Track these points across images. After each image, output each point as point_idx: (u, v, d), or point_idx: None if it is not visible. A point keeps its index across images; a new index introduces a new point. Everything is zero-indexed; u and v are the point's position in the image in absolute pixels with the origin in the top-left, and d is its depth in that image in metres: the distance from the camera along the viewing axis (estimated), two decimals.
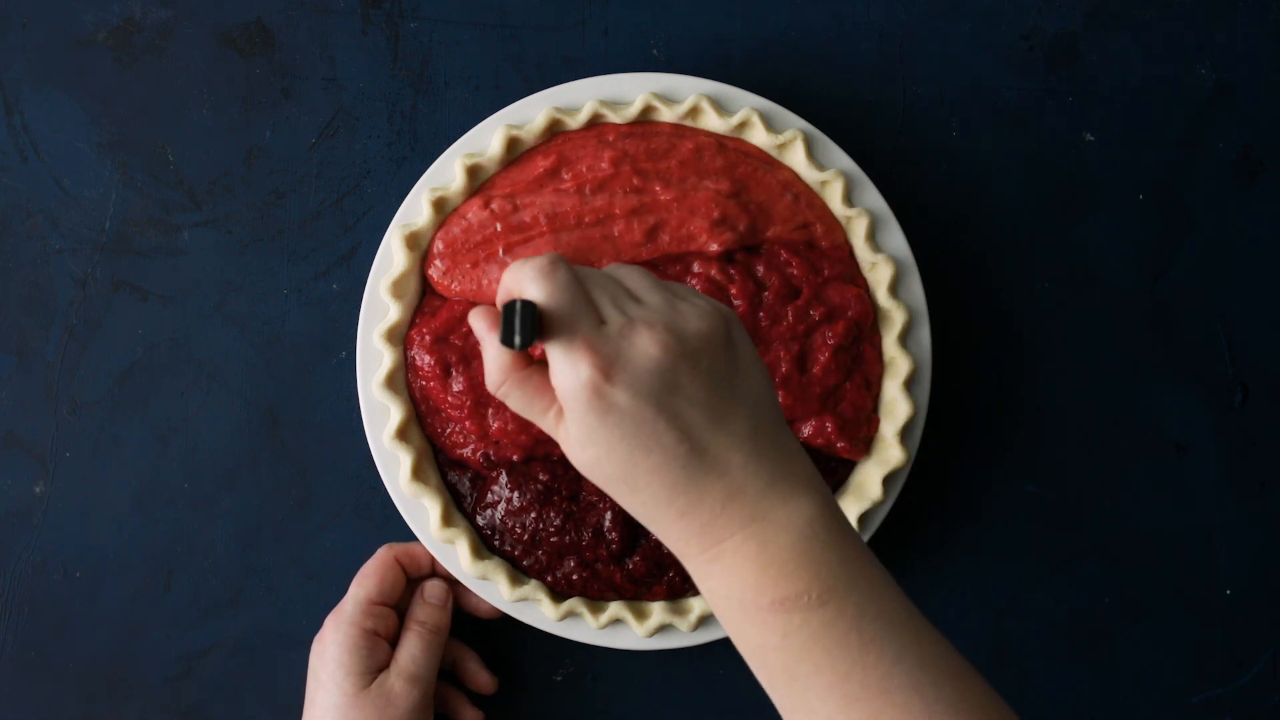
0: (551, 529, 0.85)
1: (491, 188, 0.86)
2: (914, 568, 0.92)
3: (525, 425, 0.85)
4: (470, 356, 0.85)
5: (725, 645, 0.89)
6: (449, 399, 0.85)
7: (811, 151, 0.87)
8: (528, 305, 0.59)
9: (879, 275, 0.87)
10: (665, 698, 0.91)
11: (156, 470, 0.90)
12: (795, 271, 0.86)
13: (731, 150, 0.86)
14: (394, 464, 0.86)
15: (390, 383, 0.85)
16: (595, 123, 0.87)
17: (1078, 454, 0.93)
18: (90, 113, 0.90)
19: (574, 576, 0.86)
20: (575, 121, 0.86)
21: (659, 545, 0.86)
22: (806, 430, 0.86)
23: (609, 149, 0.86)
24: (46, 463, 0.90)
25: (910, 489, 0.90)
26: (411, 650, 0.84)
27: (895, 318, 0.87)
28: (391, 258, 0.86)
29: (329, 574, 0.90)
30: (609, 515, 0.85)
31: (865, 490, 0.87)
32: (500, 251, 0.86)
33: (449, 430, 0.86)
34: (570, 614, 0.86)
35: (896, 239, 0.88)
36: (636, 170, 0.85)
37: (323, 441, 0.90)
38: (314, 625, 0.88)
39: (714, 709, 0.91)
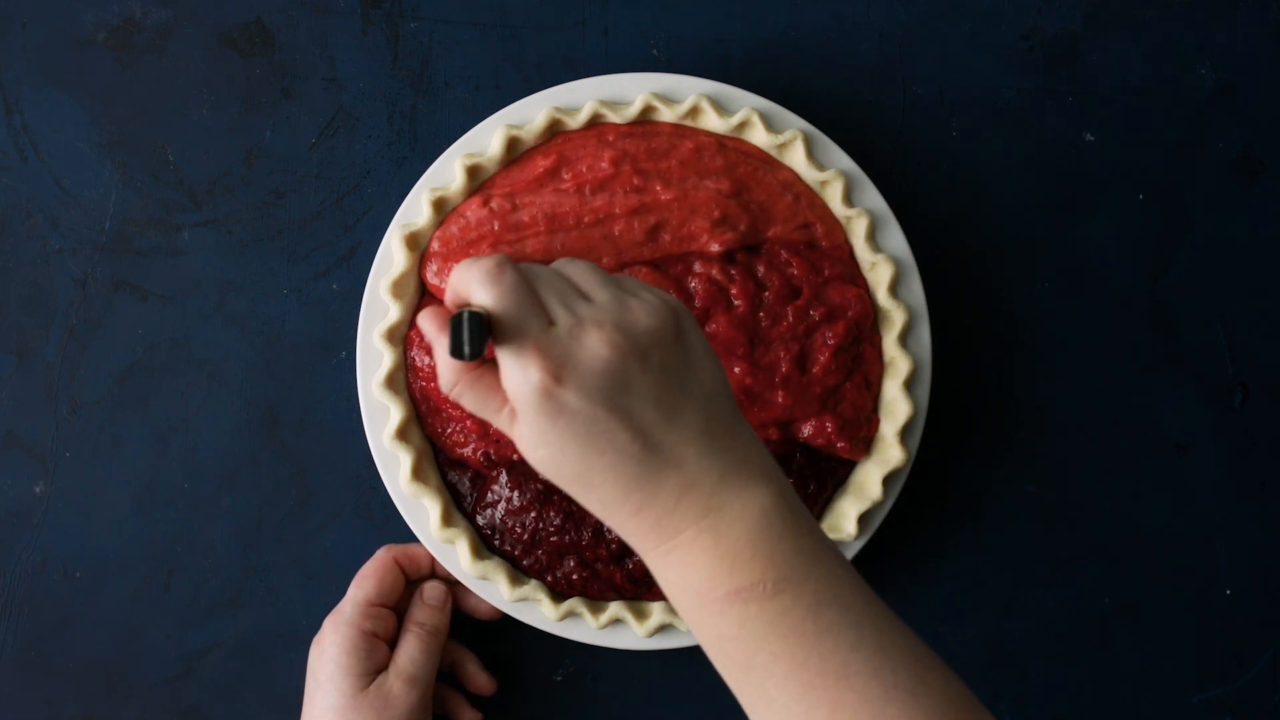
0: (551, 529, 0.85)
1: (491, 187, 0.86)
2: (914, 568, 0.92)
3: None
4: None
5: None
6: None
7: (811, 151, 0.87)
8: (475, 316, 0.59)
9: (879, 275, 0.87)
10: (665, 698, 0.91)
11: (156, 470, 0.90)
12: (795, 271, 0.86)
13: (732, 150, 0.86)
14: (394, 464, 0.86)
15: (390, 383, 0.85)
16: (595, 123, 0.87)
17: (1078, 454, 0.93)
18: (90, 113, 0.90)
19: (574, 576, 0.86)
20: (575, 121, 0.86)
21: None
22: (807, 430, 0.86)
23: (609, 149, 0.86)
24: (46, 463, 0.90)
25: (910, 489, 0.90)
26: (410, 652, 0.84)
27: (895, 318, 0.87)
28: (391, 258, 0.86)
29: (329, 574, 0.90)
30: None
31: (865, 490, 0.87)
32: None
33: (449, 430, 0.86)
34: (570, 614, 0.86)
35: (896, 239, 0.88)
36: (637, 170, 0.85)
37: (323, 441, 0.91)
38: (314, 625, 0.88)
39: (714, 709, 0.91)
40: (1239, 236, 0.93)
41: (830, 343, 0.85)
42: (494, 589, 0.86)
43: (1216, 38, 0.93)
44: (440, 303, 0.86)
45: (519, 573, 0.86)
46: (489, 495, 0.86)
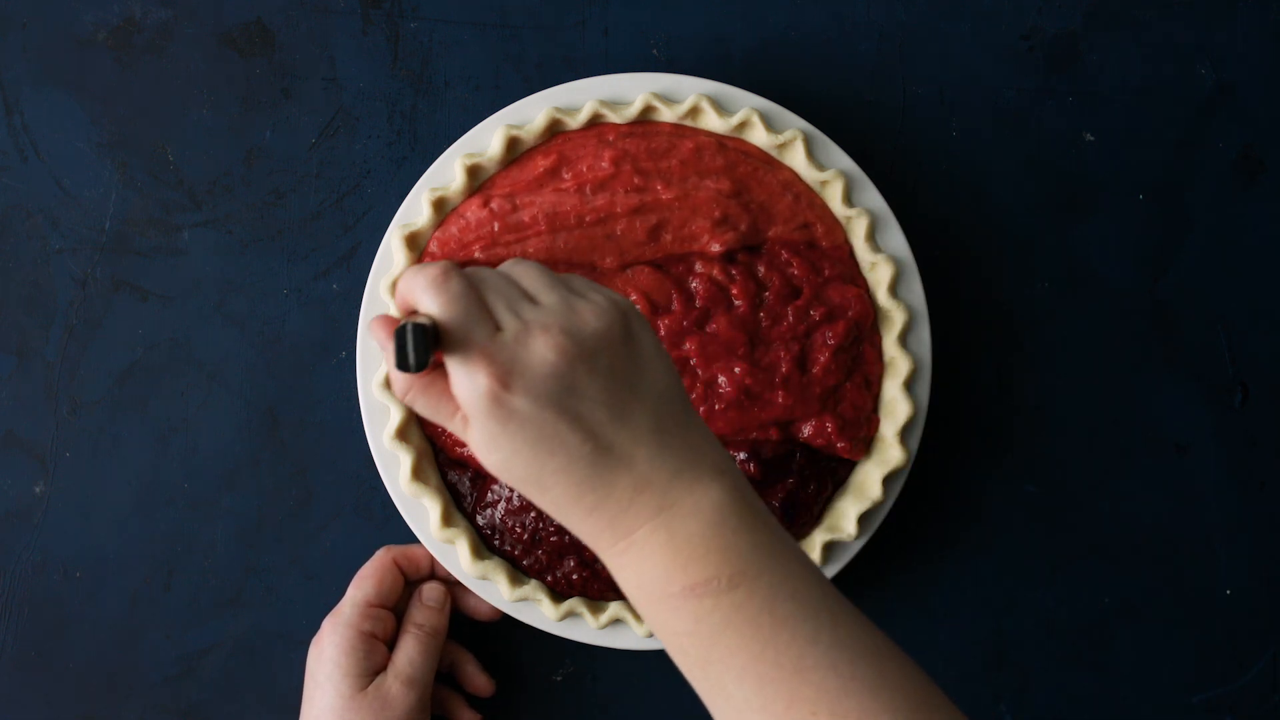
0: (551, 528, 0.85)
1: (491, 187, 0.86)
2: (914, 568, 0.92)
3: None
4: None
5: None
6: None
7: (811, 151, 0.87)
8: (418, 327, 0.60)
9: (879, 275, 0.87)
10: (665, 698, 0.91)
11: (156, 470, 0.90)
12: (796, 271, 0.86)
13: (732, 150, 0.86)
14: (394, 464, 0.86)
15: (390, 383, 0.85)
16: (595, 123, 0.87)
17: (1078, 454, 0.93)
18: (90, 113, 0.90)
19: (574, 576, 0.86)
20: (575, 121, 0.86)
21: None
22: (807, 430, 0.86)
23: (609, 149, 0.86)
24: (46, 463, 0.90)
25: (910, 489, 0.90)
26: (409, 653, 0.84)
27: (895, 318, 0.87)
28: (391, 258, 0.86)
29: (329, 574, 0.90)
30: None
31: (865, 490, 0.87)
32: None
33: (449, 429, 0.86)
34: (570, 614, 0.86)
35: (896, 239, 0.88)
36: (637, 169, 0.85)
37: (323, 441, 0.91)
38: (314, 625, 0.88)
39: None
40: (1239, 236, 0.93)
41: (830, 343, 0.85)
42: (494, 589, 0.86)
43: (1216, 38, 0.93)
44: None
45: (519, 573, 0.86)
46: (489, 495, 0.86)
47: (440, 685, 0.89)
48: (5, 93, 0.90)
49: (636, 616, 0.86)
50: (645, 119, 0.87)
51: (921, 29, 0.92)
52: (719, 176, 0.86)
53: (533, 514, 0.85)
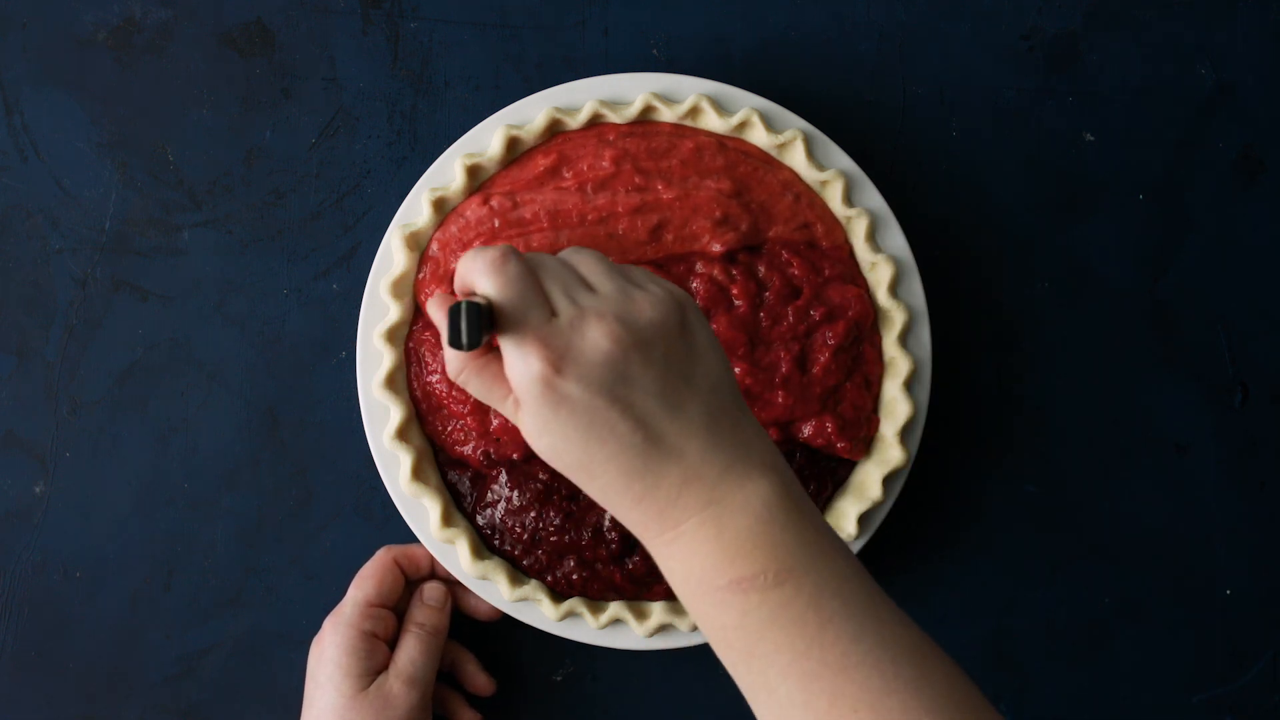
0: (551, 528, 0.85)
1: (491, 187, 0.86)
2: (914, 568, 0.92)
3: None
4: None
5: None
6: (452, 393, 0.85)
7: (811, 151, 0.87)
8: (474, 306, 0.60)
9: (879, 275, 0.87)
10: (665, 698, 0.91)
11: (156, 470, 0.90)
12: (796, 271, 0.86)
13: (732, 150, 0.86)
14: (394, 464, 0.86)
15: (390, 383, 0.85)
16: (595, 122, 0.87)
17: (1078, 454, 0.93)
18: (90, 113, 0.90)
19: (574, 576, 0.86)
20: (575, 121, 0.86)
21: None
22: (807, 430, 0.86)
23: (610, 148, 0.86)
24: (46, 463, 0.90)
25: (910, 489, 0.90)
26: (410, 652, 0.84)
27: (895, 318, 0.87)
28: (391, 258, 0.86)
29: (329, 574, 0.90)
30: (609, 515, 0.85)
31: (865, 490, 0.87)
32: None
33: (449, 429, 0.86)
34: (570, 614, 0.86)
35: (896, 239, 0.88)
36: (638, 169, 0.85)
37: (323, 441, 0.91)
38: (314, 625, 0.88)
39: (714, 709, 0.91)
40: (1239, 236, 0.93)
41: (830, 343, 0.85)
42: (494, 589, 0.86)
43: (1216, 38, 0.93)
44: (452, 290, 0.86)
45: (519, 573, 0.86)
46: (489, 495, 0.86)
47: (440, 685, 0.89)
48: (5, 93, 0.90)
49: (636, 616, 0.86)
50: (645, 119, 0.87)
51: (921, 29, 0.92)
52: (719, 176, 0.86)
53: (532, 514, 0.85)
